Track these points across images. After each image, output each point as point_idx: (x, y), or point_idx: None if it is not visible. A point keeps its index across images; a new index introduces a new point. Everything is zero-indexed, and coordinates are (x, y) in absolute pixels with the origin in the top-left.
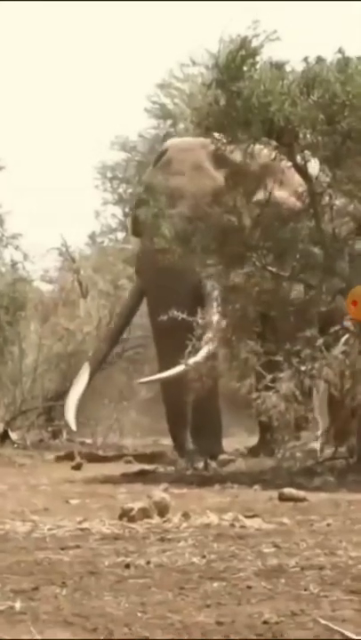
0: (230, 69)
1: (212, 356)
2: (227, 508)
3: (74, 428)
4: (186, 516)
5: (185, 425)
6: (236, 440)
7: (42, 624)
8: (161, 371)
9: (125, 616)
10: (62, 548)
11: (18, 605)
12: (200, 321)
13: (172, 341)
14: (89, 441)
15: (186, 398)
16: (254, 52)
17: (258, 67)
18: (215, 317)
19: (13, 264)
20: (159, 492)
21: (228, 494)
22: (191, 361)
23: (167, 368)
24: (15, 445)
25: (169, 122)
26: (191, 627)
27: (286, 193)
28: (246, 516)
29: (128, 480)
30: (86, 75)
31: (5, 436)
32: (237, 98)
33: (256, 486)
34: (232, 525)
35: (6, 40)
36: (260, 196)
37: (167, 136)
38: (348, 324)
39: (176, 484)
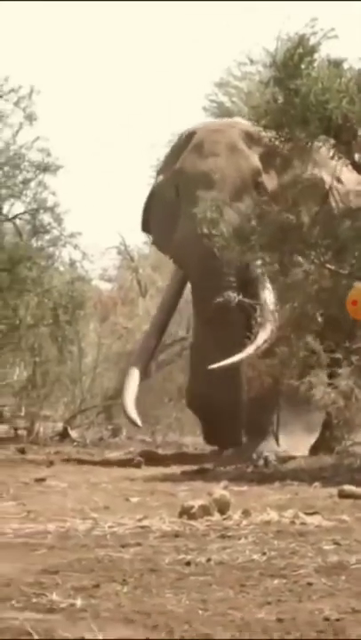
0: (288, 67)
1: (269, 353)
2: (287, 505)
3: (139, 424)
4: (246, 513)
5: (240, 422)
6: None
7: (103, 621)
8: (210, 357)
9: (186, 613)
10: (123, 546)
11: (79, 603)
12: (255, 304)
13: (223, 327)
14: (149, 439)
15: (240, 393)
16: (312, 50)
17: (315, 64)
18: (270, 299)
19: (72, 263)
20: (219, 490)
21: (288, 491)
22: (254, 345)
23: (218, 355)
24: (75, 444)
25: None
26: (252, 624)
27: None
28: (306, 514)
29: (188, 478)
30: (145, 74)
31: (65, 434)
32: (295, 96)
33: (316, 483)
34: (292, 522)
35: (68, 37)
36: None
37: None
38: None
39: (236, 482)
